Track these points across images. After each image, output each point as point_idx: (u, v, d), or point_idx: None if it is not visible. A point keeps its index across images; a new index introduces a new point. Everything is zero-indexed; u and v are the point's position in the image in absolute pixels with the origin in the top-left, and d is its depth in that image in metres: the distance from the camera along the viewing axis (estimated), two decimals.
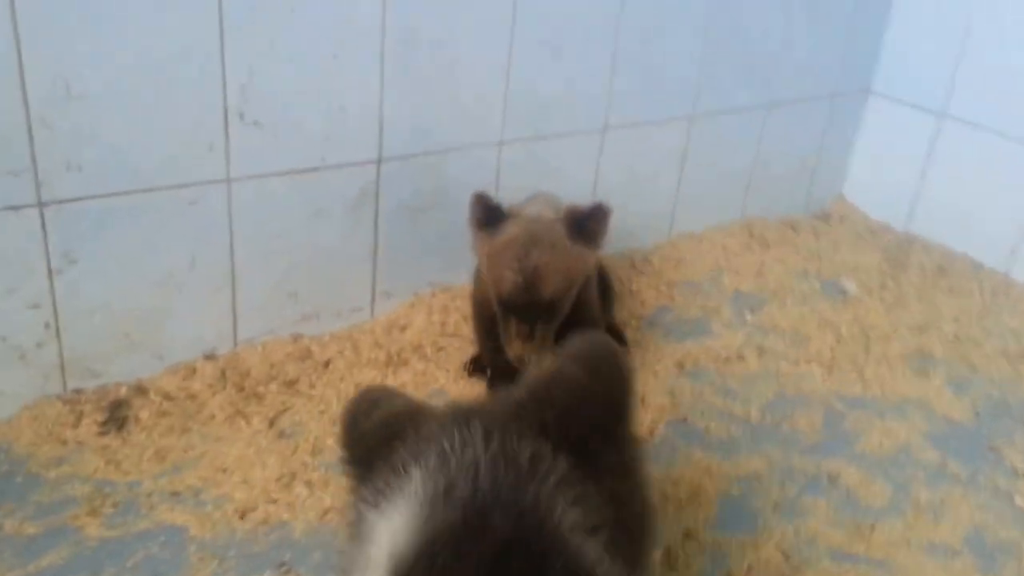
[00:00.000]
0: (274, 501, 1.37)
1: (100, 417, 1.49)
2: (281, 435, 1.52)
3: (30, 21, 1.28)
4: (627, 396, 0.96)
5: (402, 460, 0.82)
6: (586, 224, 1.52)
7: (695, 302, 2.07)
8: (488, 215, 1.53)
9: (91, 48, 1.34)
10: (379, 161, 1.69)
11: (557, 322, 1.51)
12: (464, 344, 1.79)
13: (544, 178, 1.91)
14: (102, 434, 1.47)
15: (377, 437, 0.90)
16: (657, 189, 2.22)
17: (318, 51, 1.55)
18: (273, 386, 1.63)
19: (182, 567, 1.25)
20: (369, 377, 1.68)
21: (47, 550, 1.24)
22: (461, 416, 0.85)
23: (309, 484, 1.41)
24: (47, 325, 1.46)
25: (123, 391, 1.55)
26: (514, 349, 1.49)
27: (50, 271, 1.42)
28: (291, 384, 1.64)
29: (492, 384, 1.68)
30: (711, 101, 2.19)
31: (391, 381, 1.68)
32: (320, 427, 1.54)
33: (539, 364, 1.56)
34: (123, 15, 1.35)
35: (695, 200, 2.30)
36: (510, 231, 1.50)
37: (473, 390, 1.68)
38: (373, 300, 1.83)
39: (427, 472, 0.78)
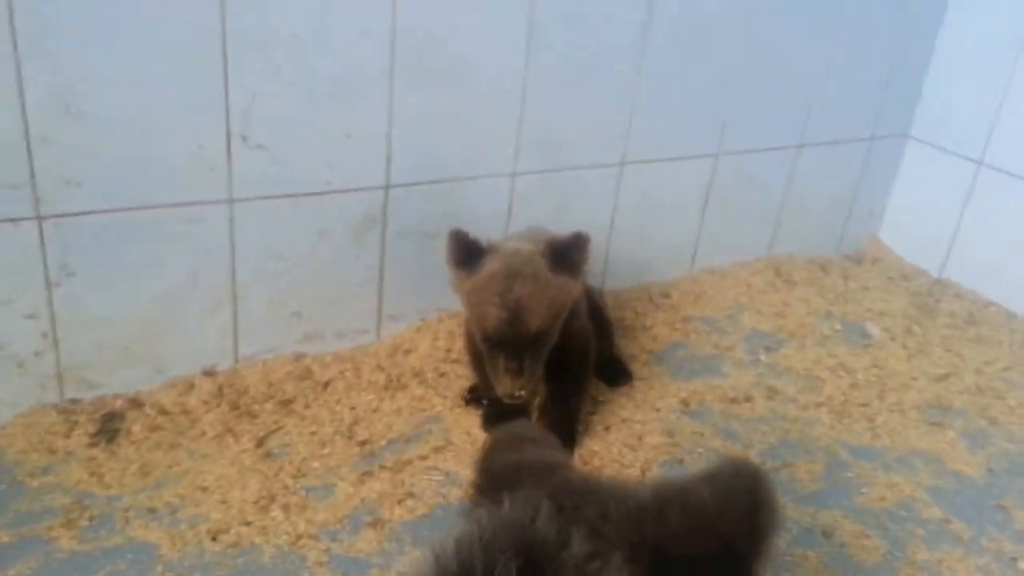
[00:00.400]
0: (248, 523, 1.37)
1: (92, 428, 1.51)
2: (268, 455, 1.52)
3: (30, 39, 1.31)
4: (758, 539, 0.84)
5: (480, 518, 0.77)
6: (567, 254, 1.50)
7: (710, 339, 2.03)
8: (466, 252, 1.51)
9: (92, 66, 1.37)
10: (387, 187, 1.70)
11: (545, 355, 1.50)
12: (466, 371, 1.78)
13: (560, 209, 1.90)
14: (92, 445, 1.49)
15: (500, 478, 0.87)
16: (678, 224, 2.19)
17: (324, 77, 1.56)
18: (268, 405, 1.64)
19: None
20: (366, 400, 1.69)
21: (16, 560, 1.26)
22: (557, 494, 0.80)
23: (286, 508, 1.41)
24: (44, 335, 1.48)
25: (119, 403, 1.57)
26: (504, 386, 1.46)
27: (48, 283, 1.45)
28: (287, 403, 1.65)
29: (488, 414, 1.66)
30: (738, 140, 2.15)
31: (388, 405, 1.68)
32: (308, 449, 1.55)
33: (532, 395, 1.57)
34: (124, 34, 1.37)
35: (720, 235, 2.27)
36: (490, 267, 1.47)
37: (468, 419, 1.67)
38: (379, 323, 1.83)
39: (450, 548, 0.74)
